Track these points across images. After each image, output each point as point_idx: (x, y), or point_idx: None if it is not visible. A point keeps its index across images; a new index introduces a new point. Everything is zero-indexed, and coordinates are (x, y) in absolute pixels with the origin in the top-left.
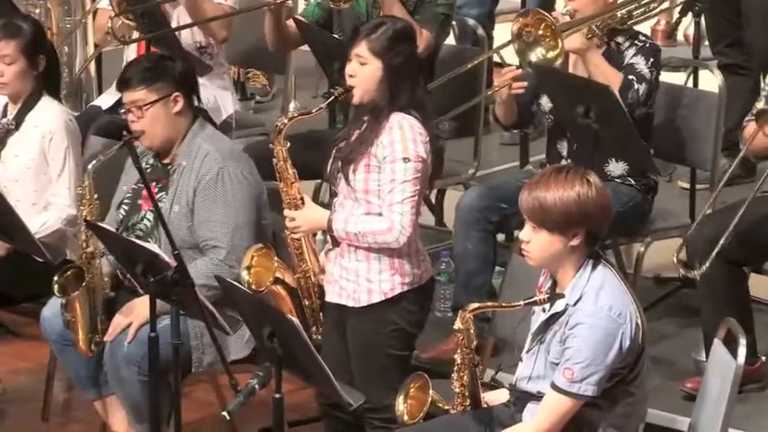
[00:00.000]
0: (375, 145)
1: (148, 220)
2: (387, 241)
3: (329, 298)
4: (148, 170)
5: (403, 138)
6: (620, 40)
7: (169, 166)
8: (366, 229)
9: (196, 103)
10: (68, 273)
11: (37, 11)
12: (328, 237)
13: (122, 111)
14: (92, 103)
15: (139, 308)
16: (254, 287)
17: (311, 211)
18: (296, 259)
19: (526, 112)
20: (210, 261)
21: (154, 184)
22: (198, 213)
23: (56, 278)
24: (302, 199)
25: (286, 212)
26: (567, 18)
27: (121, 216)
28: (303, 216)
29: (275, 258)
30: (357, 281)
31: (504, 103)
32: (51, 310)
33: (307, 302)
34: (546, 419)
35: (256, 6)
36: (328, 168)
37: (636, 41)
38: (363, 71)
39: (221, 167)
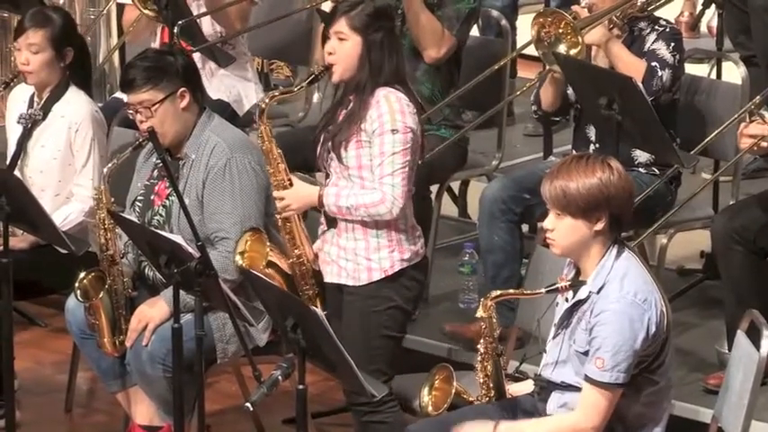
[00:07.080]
0: (364, 120)
1: (161, 215)
2: (380, 213)
3: (328, 279)
4: (159, 165)
5: (390, 110)
6: (642, 25)
7: (180, 161)
8: (358, 202)
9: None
10: (90, 276)
11: (61, 1)
12: (322, 218)
13: (129, 111)
14: (114, 95)
15: (151, 310)
16: None
17: (301, 189)
18: (288, 244)
19: (566, 100)
20: (219, 254)
21: (164, 178)
22: (207, 205)
23: (77, 284)
24: (290, 180)
25: (275, 193)
26: (586, 12)
27: (136, 213)
28: (293, 194)
29: (268, 243)
30: (356, 260)
31: (551, 84)
32: (75, 301)
33: (304, 289)
34: (591, 416)
35: (294, 11)
36: (317, 152)
37: (656, 26)
38: (343, 47)
39: (229, 158)
